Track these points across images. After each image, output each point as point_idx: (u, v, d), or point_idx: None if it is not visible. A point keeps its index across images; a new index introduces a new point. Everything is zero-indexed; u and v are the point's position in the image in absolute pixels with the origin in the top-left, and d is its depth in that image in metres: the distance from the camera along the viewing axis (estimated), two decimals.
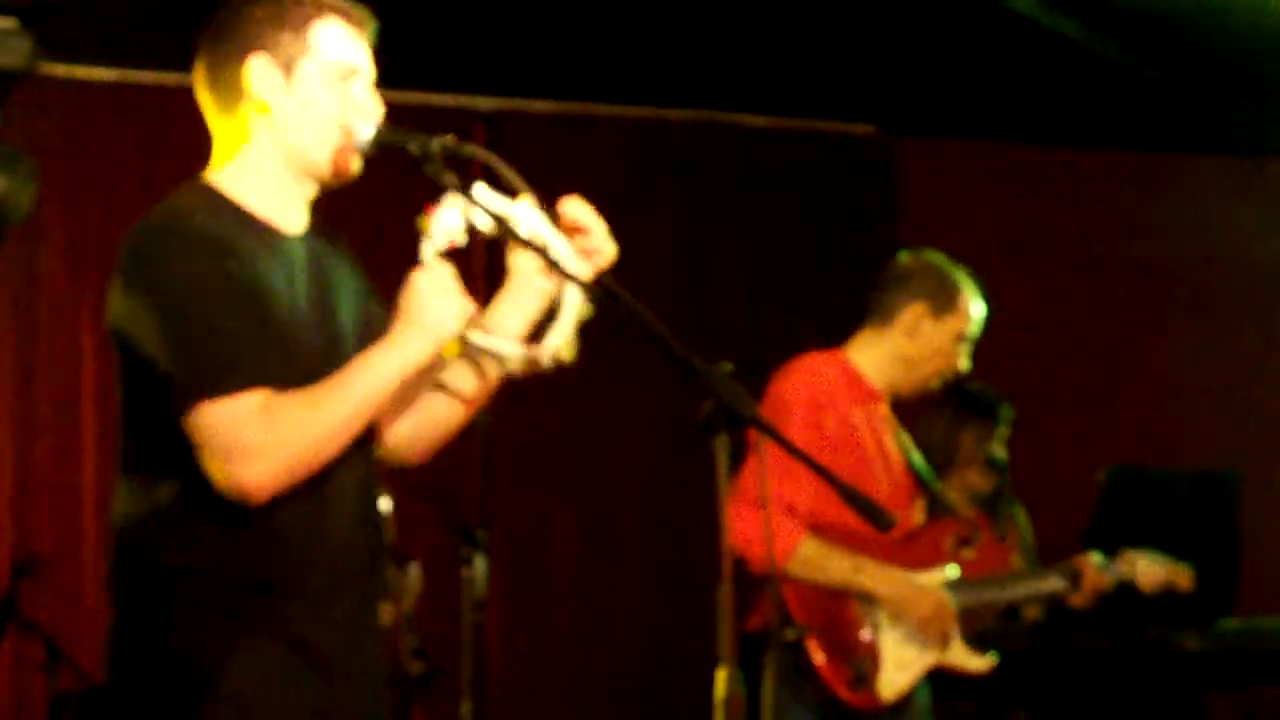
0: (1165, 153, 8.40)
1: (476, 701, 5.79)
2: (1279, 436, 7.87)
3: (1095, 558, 5.10)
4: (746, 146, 8.12)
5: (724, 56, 7.40)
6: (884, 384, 4.88)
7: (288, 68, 3.11)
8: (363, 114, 3.09)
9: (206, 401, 2.91)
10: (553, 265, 3.04)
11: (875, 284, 5.09)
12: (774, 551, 4.40)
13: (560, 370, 3.09)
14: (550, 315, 3.15)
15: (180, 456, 3.01)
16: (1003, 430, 5.63)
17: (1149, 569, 5.16)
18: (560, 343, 3.03)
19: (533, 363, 3.06)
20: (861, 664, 4.67)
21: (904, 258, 5.08)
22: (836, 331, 5.00)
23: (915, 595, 4.78)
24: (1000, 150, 8.40)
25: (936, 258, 5.00)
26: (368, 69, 3.16)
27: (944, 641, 4.82)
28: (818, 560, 4.63)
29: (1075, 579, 5.03)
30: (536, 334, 3.16)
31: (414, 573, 5.67)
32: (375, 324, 3.18)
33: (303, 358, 3.08)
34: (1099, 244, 8.19)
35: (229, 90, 3.11)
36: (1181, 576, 5.22)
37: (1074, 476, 6.62)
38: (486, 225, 3.01)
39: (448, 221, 3.00)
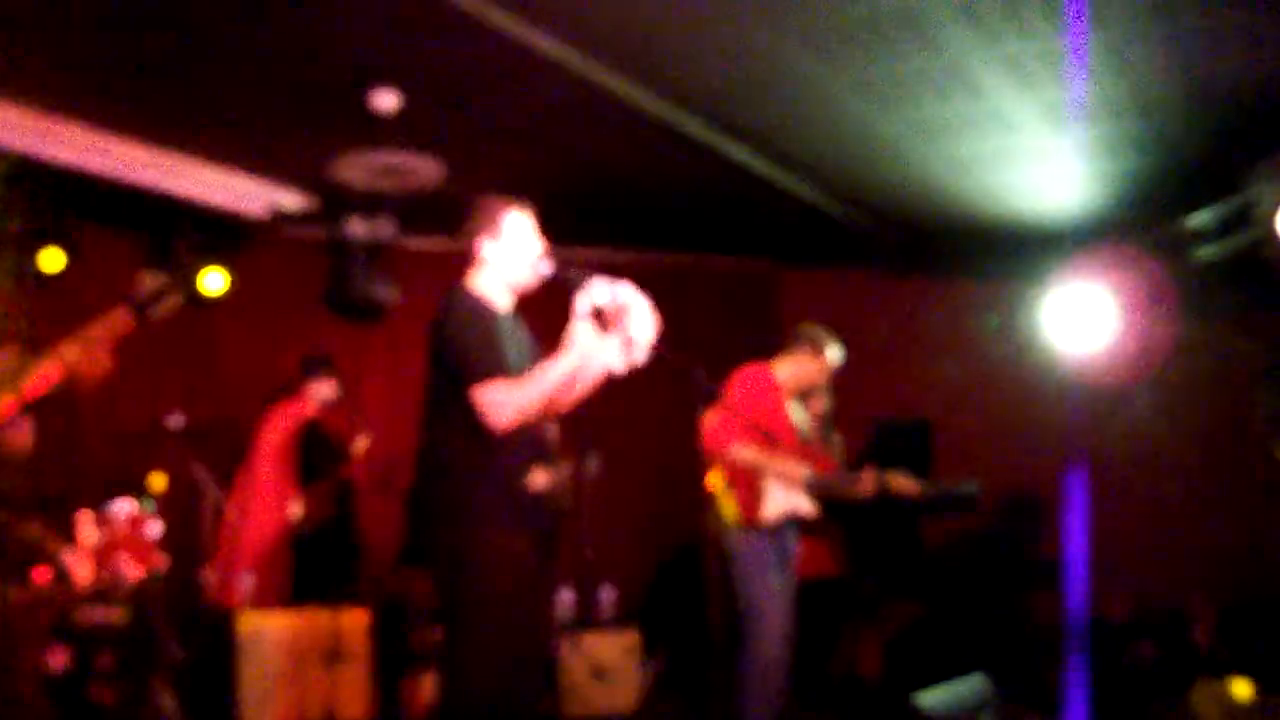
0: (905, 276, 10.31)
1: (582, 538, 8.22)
2: (955, 399, 9.70)
3: (872, 474, 6.79)
4: (696, 275, 10.28)
5: (687, 218, 9.25)
6: (786, 383, 6.77)
7: (495, 237, 4.57)
8: (537, 256, 4.53)
9: (477, 385, 4.30)
10: (622, 322, 4.38)
11: (793, 333, 6.91)
12: (720, 447, 6.46)
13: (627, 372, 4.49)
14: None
15: (464, 416, 4.32)
16: (829, 398, 7.31)
17: (902, 483, 6.88)
18: (637, 357, 4.47)
19: (628, 367, 4.52)
20: (754, 502, 6.50)
21: (805, 325, 6.91)
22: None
23: (775, 460, 6.55)
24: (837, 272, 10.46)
25: (822, 328, 6.84)
26: (535, 231, 4.64)
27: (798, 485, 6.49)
28: (741, 454, 6.51)
29: (857, 482, 6.75)
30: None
31: (564, 465, 6.48)
32: (535, 352, 4.52)
33: (510, 370, 4.44)
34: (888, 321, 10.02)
35: (473, 249, 4.63)
36: (915, 489, 6.87)
37: (860, 421, 8.61)
38: (601, 301, 4.40)
39: (582, 301, 4.42)
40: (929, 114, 6.65)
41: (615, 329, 4.51)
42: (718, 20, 5.72)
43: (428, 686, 7.68)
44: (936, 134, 6.96)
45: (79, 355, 3.84)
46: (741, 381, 6.72)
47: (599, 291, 4.45)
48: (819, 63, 6.05)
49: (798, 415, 6.86)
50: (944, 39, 5.70)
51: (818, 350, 6.80)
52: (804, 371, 6.83)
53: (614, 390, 4.81)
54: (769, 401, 6.71)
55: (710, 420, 6.37)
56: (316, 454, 8.59)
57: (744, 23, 5.71)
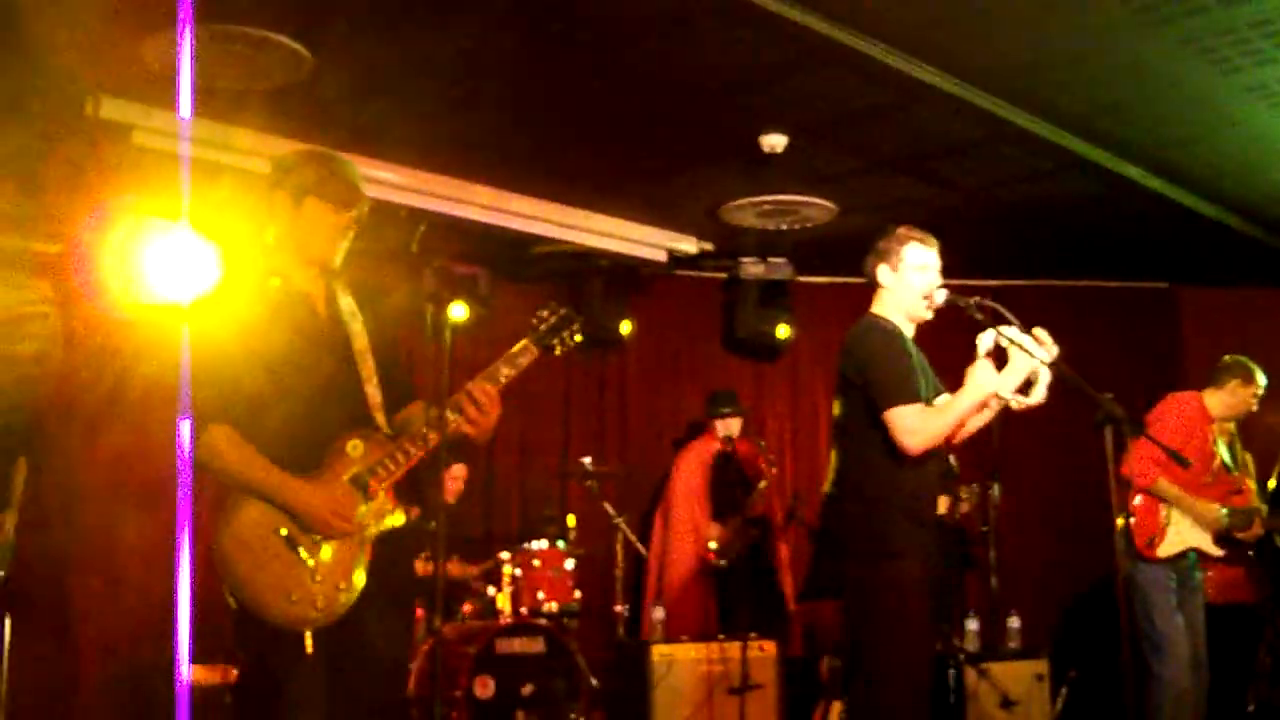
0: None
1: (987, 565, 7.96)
2: None
3: (1260, 518, 6.85)
4: (1093, 300, 10.00)
5: (1081, 243, 9.07)
6: (1217, 414, 6.86)
7: (894, 267, 4.66)
8: (934, 287, 4.57)
9: (893, 408, 4.43)
10: (1036, 360, 4.41)
11: (1218, 366, 6.97)
12: (1144, 480, 6.65)
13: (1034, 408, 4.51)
14: (1028, 383, 4.52)
15: (876, 441, 4.43)
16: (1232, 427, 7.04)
17: None
18: (1037, 398, 4.49)
19: (1025, 406, 4.52)
20: (1154, 536, 6.63)
21: (1227, 357, 6.99)
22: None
23: (1194, 503, 6.64)
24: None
25: (1247, 360, 6.90)
26: (936, 263, 4.67)
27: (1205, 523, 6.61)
28: (1163, 489, 6.63)
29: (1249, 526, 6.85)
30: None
31: (968, 491, 7.53)
32: (935, 378, 4.56)
33: (922, 396, 4.51)
34: None
35: (873, 277, 4.69)
36: None
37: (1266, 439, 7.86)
38: (1000, 340, 4.39)
39: (986, 340, 4.44)
40: None
41: (1014, 370, 4.49)
42: (1104, 39, 5.68)
43: (835, 715, 7.57)
44: None
45: (470, 400, 3.81)
46: (1173, 408, 6.85)
47: (997, 335, 4.46)
48: (1210, 71, 5.97)
49: (1221, 447, 6.93)
50: None
51: (1250, 379, 6.87)
52: (1237, 401, 6.90)
53: (1020, 417, 4.82)
54: (1198, 430, 6.79)
55: (1133, 449, 6.52)
56: (730, 488, 8.68)
57: (1131, 37, 5.67)
